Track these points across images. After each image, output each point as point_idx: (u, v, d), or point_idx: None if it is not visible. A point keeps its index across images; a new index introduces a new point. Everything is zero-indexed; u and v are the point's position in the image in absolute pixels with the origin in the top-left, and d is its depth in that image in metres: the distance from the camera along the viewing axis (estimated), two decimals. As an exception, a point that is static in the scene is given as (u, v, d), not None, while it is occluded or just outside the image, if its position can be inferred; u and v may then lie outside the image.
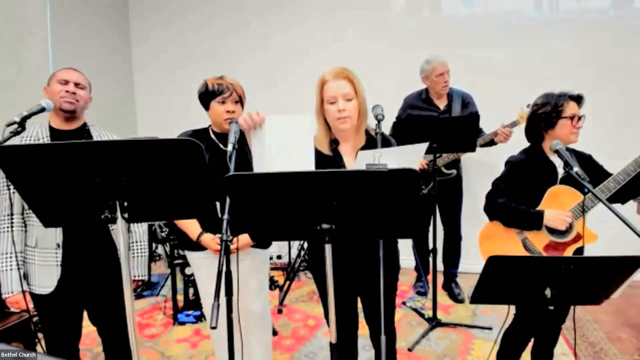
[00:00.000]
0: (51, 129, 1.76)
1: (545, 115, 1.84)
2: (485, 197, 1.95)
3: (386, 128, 2.05)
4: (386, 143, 1.75)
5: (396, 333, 1.97)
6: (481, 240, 1.97)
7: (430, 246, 2.99)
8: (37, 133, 1.73)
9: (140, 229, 1.94)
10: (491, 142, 3.03)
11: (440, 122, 2.78)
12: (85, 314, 1.90)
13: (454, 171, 3.18)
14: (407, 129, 2.69)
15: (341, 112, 1.61)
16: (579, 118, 1.83)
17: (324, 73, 1.66)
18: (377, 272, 1.40)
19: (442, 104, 3.17)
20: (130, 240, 1.91)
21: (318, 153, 1.68)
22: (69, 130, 1.78)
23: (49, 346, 1.82)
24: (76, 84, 1.76)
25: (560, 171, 1.87)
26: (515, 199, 1.87)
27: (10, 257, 1.70)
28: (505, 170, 1.95)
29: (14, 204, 1.70)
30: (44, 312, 1.79)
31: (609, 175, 1.82)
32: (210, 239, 1.80)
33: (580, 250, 1.86)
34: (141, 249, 1.93)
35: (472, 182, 3.47)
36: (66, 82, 1.74)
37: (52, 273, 1.72)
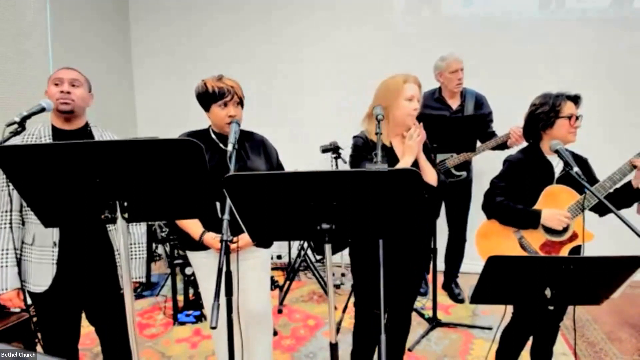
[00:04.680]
0: (54, 128, 1.75)
1: (543, 115, 1.86)
2: (484, 195, 1.97)
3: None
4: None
5: (388, 330, 2.03)
6: (478, 238, 1.98)
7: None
8: (39, 132, 1.73)
9: (139, 231, 1.93)
10: (503, 145, 2.92)
11: (439, 122, 2.76)
12: (83, 314, 1.90)
13: (464, 173, 3.09)
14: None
15: (416, 110, 1.85)
16: (577, 118, 1.84)
17: (402, 75, 1.88)
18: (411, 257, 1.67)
19: (454, 103, 3.11)
20: (129, 241, 1.91)
21: (372, 142, 1.88)
22: (70, 130, 1.77)
23: (47, 346, 1.81)
24: (70, 83, 1.72)
25: (557, 171, 1.88)
26: (512, 197, 1.89)
27: (7, 254, 1.69)
28: (503, 169, 1.97)
29: (12, 201, 1.69)
30: (40, 311, 1.79)
31: (597, 182, 1.84)
32: (212, 239, 1.80)
33: (576, 249, 1.87)
34: (139, 250, 1.92)
35: (482, 186, 3.43)
36: (60, 82, 1.71)
37: (48, 271, 1.71)
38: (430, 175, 1.88)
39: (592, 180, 1.88)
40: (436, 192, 1.89)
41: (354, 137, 1.95)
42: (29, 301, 1.79)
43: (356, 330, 2.07)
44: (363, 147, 1.89)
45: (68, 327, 1.83)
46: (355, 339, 2.08)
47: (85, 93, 1.78)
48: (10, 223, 1.70)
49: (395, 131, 1.91)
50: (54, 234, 1.71)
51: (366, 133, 1.93)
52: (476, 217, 3.24)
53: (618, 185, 1.83)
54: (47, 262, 1.72)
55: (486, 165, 3.36)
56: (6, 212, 1.70)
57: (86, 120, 1.82)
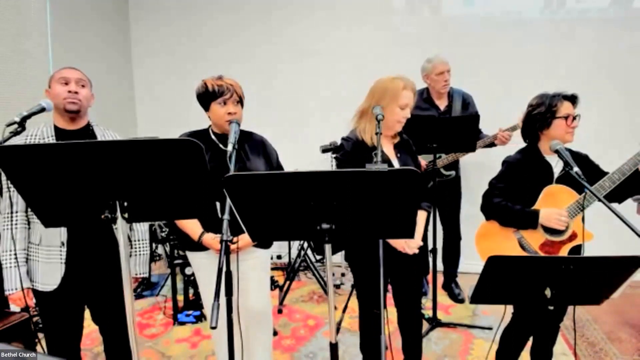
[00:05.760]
0: (56, 128, 1.76)
1: (540, 116, 1.86)
2: (482, 196, 1.97)
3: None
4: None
5: (402, 330, 2.10)
6: (478, 239, 1.98)
7: (430, 246, 2.99)
8: (42, 132, 1.74)
9: (142, 228, 1.95)
10: (492, 144, 3.03)
11: (440, 122, 2.78)
12: (87, 313, 1.90)
13: (453, 172, 3.18)
14: (407, 128, 2.69)
15: (405, 119, 1.87)
16: (574, 118, 1.84)
17: (402, 80, 1.85)
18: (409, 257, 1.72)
19: (442, 104, 3.16)
20: (133, 238, 1.92)
21: (362, 143, 1.88)
22: (73, 130, 1.78)
23: (50, 345, 1.82)
24: (77, 83, 1.74)
25: (556, 171, 1.88)
26: (511, 198, 1.89)
27: (15, 255, 1.70)
28: (501, 170, 1.98)
29: (18, 202, 1.70)
30: (46, 310, 1.80)
31: (604, 174, 1.83)
32: (212, 239, 1.80)
33: (576, 249, 1.86)
34: (143, 247, 1.94)
35: (471, 183, 3.47)
36: (67, 82, 1.73)
37: (56, 270, 1.73)
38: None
39: (599, 173, 1.87)
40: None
41: (343, 139, 1.94)
42: (34, 301, 1.79)
43: (360, 328, 2.09)
44: (352, 151, 1.88)
45: (72, 325, 1.84)
46: (362, 335, 2.11)
47: (89, 93, 1.81)
48: (17, 224, 1.71)
49: (383, 133, 1.88)
50: (61, 233, 1.72)
51: (356, 132, 1.91)
52: (469, 213, 3.28)
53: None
54: (55, 261, 1.73)
55: (474, 163, 3.42)
56: (12, 213, 1.71)
57: (88, 120, 1.83)
